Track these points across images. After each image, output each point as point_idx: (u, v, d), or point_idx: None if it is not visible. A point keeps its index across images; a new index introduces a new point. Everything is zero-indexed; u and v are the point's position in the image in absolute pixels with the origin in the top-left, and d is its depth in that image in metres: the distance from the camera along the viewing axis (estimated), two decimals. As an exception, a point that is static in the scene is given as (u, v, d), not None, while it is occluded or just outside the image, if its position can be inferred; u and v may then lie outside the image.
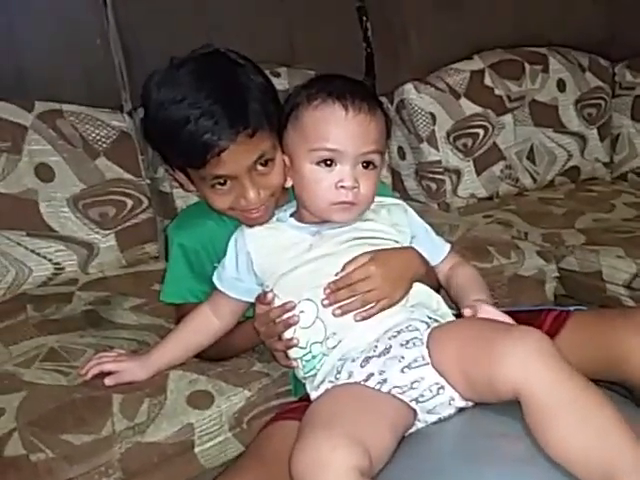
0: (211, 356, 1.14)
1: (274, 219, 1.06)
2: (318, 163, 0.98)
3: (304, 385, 1.02)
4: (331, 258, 0.99)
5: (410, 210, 1.10)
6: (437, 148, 1.94)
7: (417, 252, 1.04)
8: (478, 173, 1.99)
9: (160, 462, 1.04)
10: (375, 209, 1.06)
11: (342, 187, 0.97)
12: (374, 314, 0.96)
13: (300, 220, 1.05)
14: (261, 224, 1.05)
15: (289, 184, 1.04)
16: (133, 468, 1.02)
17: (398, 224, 1.06)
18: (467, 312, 0.95)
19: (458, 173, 1.97)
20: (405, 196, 1.97)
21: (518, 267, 1.56)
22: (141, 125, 1.58)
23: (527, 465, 0.80)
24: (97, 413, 1.03)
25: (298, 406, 1.02)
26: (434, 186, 1.96)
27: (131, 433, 1.02)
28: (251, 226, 1.05)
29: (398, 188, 2.02)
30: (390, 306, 0.97)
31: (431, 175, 1.96)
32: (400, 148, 2.01)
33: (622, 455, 0.74)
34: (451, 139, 1.96)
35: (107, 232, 1.54)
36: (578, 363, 0.82)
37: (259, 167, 1.01)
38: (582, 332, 1.03)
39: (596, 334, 1.02)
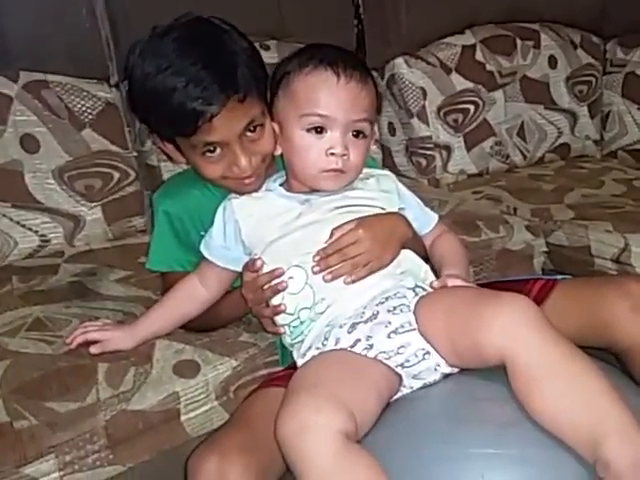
0: (198, 326, 1.13)
1: (263, 188, 1.06)
2: (308, 130, 0.97)
3: (291, 354, 1.01)
4: (320, 225, 0.99)
5: (398, 182, 1.09)
6: (427, 123, 1.93)
7: (403, 217, 1.04)
8: (468, 149, 1.98)
9: (145, 430, 1.03)
10: (363, 178, 1.05)
11: (332, 154, 0.97)
12: (364, 276, 0.96)
13: (289, 189, 1.04)
14: (252, 192, 1.04)
15: (278, 152, 1.03)
16: (118, 436, 1.01)
17: (386, 191, 1.05)
18: (435, 284, 0.96)
19: (448, 149, 1.95)
20: (395, 172, 1.91)
21: (506, 241, 1.56)
22: (126, 98, 1.58)
23: (512, 428, 0.80)
24: (82, 381, 1.02)
25: (284, 374, 1.02)
26: (424, 162, 1.95)
27: (116, 401, 1.01)
28: (242, 194, 1.04)
29: (388, 164, 2.01)
30: (380, 268, 0.97)
31: (421, 151, 1.95)
32: (390, 124, 1.99)
33: (607, 417, 0.74)
34: (441, 114, 1.94)
35: (93, 204, 1.52)
36: (565, 330, 0.82)
37: (249, 133, 1.01)
38: (569, 299, 1.03)
39: (582, 301, 1.02)
